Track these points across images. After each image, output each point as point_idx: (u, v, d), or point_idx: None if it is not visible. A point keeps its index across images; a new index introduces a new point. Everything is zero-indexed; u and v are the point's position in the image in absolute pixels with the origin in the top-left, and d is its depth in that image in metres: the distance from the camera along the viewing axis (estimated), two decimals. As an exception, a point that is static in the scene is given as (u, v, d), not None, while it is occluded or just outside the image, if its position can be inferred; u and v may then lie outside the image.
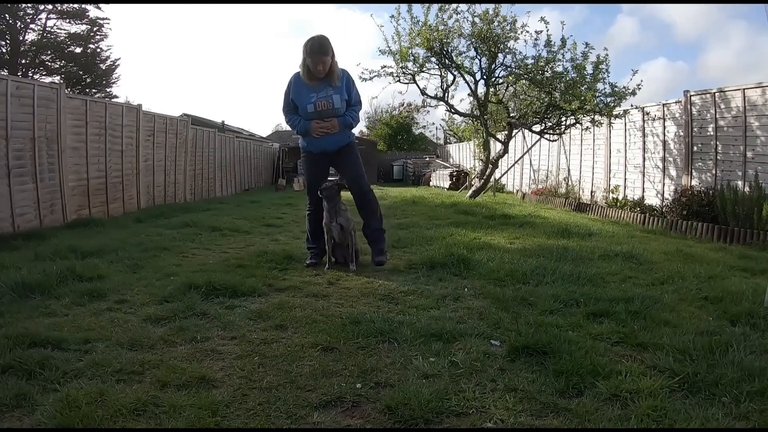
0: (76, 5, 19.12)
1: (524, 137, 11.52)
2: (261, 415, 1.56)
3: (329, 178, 3.77)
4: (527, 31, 8.60)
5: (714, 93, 6.25)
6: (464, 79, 9.56)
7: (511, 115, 9.85)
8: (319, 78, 3.42)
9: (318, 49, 3.31)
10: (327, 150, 3.61)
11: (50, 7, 18.67)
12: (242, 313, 2.51)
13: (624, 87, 7.98)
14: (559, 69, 8.50)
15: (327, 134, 3.50)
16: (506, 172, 12.74)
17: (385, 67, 9.37)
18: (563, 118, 8.97)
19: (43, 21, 18.92)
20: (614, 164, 8.55)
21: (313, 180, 3.71)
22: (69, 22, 19.37)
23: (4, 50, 18.40)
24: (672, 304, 2.60)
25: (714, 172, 6.24)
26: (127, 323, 2.33)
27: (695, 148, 6.60)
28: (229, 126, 22.36)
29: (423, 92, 9.86)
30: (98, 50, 20.34)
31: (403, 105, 28.47)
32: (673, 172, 7.15)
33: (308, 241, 3.82)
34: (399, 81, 9.55)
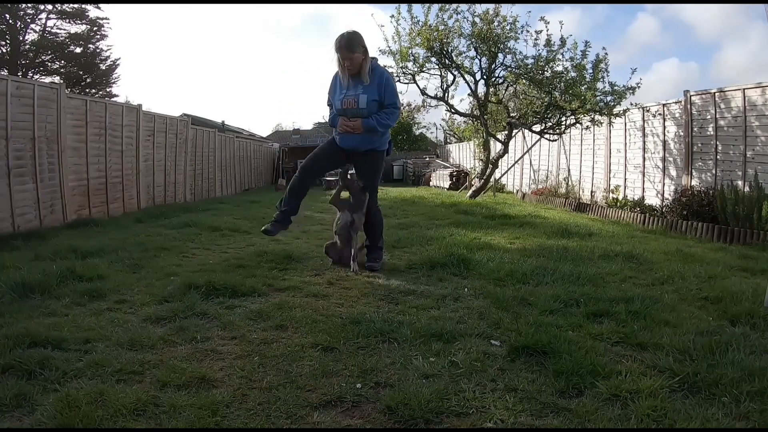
0: (76, 5, 19.14)
1: (524, 137, 11.52)
2: (261, 415, 1.56)
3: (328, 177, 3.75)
4: (527, 31, 8.61)
5: (714, 93, 6.25)
6: (464, 79, 9.56)
7: (511, 115, 9.85)
8: (354, 75, 3.37)
9: (344, 45, 3.26)
10: (348, 149, 3.55)
11: (50, 7, 18.68)
12: (242, 313, 2.51)
13: (623, 86, 7.98)
14: (559, 68, 8.51)
15: (349, 133, 3.44)
16: (506, 172, 12.74)
17: (385, 67, 9.36)
18: (563, 118, 8.97)
19: (43, 21, 18.95)
20: (614, 164, 8.55)
21: (318, 156, 3.62)
22: (69, 22, 19.39)
23: (4, 50, 18.40)
24: (672, 304, 2.60)
25: (714, 172, 6.24)
26: (127, 323, 2.33)
27: (695, 148, 6.60)
28: (229, 126, 22.37)
29: (423, 92, 9.87)
30: (98, 50, 20.36)
31: (403, 105, 28.44)
32: (673, 172, 7.15)
33: (280, 204, 3.59)
34: (399, 81, 9.56)
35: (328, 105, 3.67)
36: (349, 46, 3.27)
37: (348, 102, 3.41)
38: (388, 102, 3.44)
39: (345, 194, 3.69)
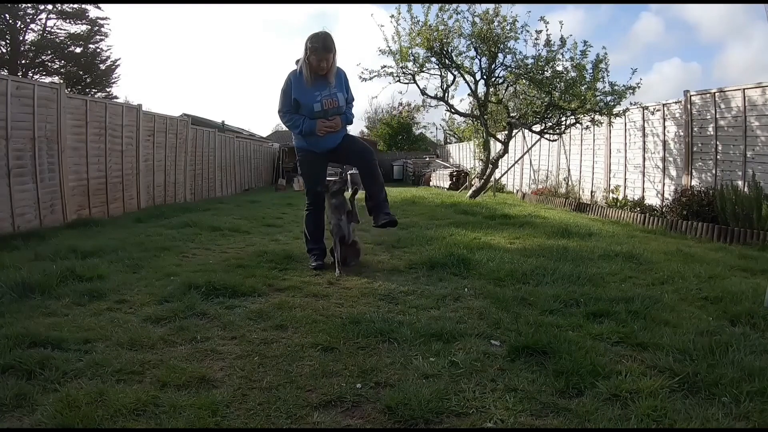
0: (76, 5, 19.13)
1: (524, 137, 11.52)
2: (261, 415, 1.56)
3: (329, 177, 3.76)
4: (527, 31, 8.62)
5: (714, 93, 6.25)
6: (464, 79, 9.56)
7: (511, 115, 9.86)
8: (319, 75, 3.38)
9: (322, 46, 3.28)
10: (330, 148, 3.59)
11: (50, 7, 18.67)
12: (242, 313, 2.51)
13: (623, 85, 7.99)
14: (559, 68, 8.51)
15: (330, 133, 3.48)
16: (506, 172, 12.74)
17: (385, 67, 9.38)
18: (563, 118, 8.97)
19: (43, 21, 18.93)
20: (614, 164, 8.55)
21: (313, 179, 3.67)
22: (69, 22, 19.37)
23: (4, 50, 18.40)
24: (672, 304, 2.60)
25: (714, 171, 6.24)
26: (127, 323, 2.33)
27: (695, 148, 6.60)
28: (229, 126, 22.34)
29: (423, 92, 9.86)
30: (98, 50, 20.34)
31: (401, 105, 28.47)
32: (673, 172, 7.15)
33: (308, 242, 3.74)
34: (399, 81, 9.56)
35: (284, 113, 3.51)
36: (327, 46, 3.29)
37: (328, 102, 3.43)
38: (351, 97, 3.61)
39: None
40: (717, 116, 6.22)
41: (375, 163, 3.67)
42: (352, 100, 3.64)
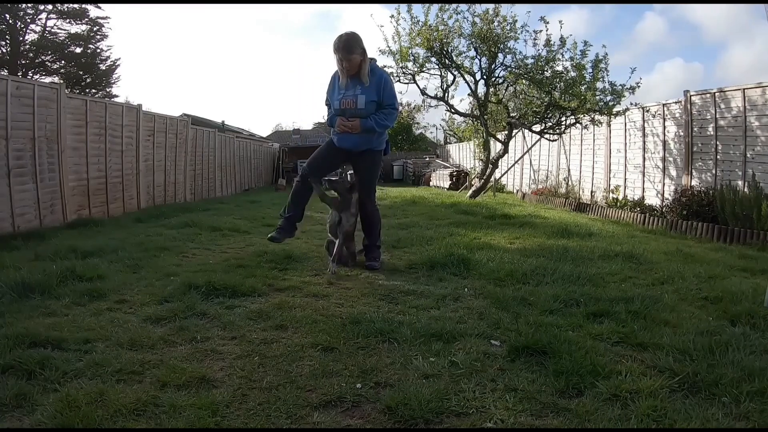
0: (76, 5, 19.14)
1: (524, 137, 11.52)
2: (261, 415, 1.56)
3: (332, 175, 3.75)
4: (527, 31, 8.63)
5: (714, 93, 6.25)
6: (464, 79, 9.57)
7: (511, 115, 9.86)
8: (353, 75, 3.40)
9: (343, 47, 3.29)
10: (345, 148, 3.58)
11: (50, 7, 18.67)
12: (242, 313, 2.51)
13: (622, 85, 7.99)
14: (559, 68, 8.52)
15: (347, 133, 3.48)
16: (506, 172, 12.74)
17: (385, 66, 9.38)
18: (563, 118, 8.98)
19: (43, 21, 18.94)
20: (614, 164, 8.55)
21: (317, 159, 3.65)
22: (69, 22, 19.38)
23: (4, 50, 18.40)
24: (672, 304, 2.60)
25: (714, 171, 6.24)
26: (127, 323, 2.33)
27: (695, 148, 6.60)
28: (229, 126, 22.35)
29: (423, 92, 9.87)
30: (98, 50, 20.34)
31: (401, 105, 28.48)
32: (673, 172, 7.15)
33: (284, 211, 3.70)
34: (399, 81, 9.57)
35: (327, 104, 3.71)
36: (348, 47, 3.29)
37: (347, 102, 3.44)
38: (386, 103, 3.48)
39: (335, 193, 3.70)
40: (717, 116, 6.22)
41: (373, 209, 3.67)
42: (389, 105, 3.47)
